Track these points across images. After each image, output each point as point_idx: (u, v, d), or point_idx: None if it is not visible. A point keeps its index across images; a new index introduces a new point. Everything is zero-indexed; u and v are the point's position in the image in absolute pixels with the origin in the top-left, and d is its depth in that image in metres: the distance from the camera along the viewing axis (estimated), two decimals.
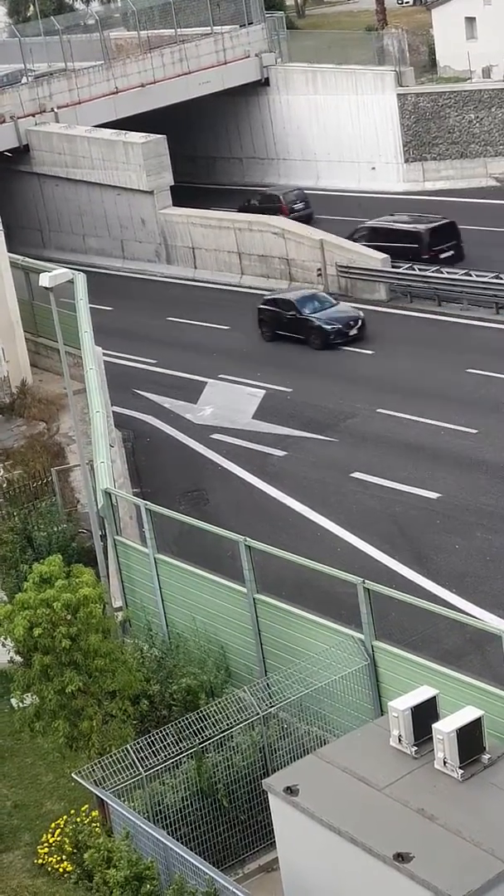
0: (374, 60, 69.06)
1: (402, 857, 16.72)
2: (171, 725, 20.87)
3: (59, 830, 21.98)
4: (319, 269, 52.29)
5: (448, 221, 52.08)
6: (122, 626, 25.23)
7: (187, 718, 20.92)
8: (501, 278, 47.16)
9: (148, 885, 18.45)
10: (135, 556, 26.78)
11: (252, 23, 70.12)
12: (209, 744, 20.74)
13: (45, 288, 28.12)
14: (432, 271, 49.29)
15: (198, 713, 21.03)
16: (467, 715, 18.27)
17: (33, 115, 64.56)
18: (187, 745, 20.55)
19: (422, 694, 19.01)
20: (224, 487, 36.68)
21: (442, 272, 48.98)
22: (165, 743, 20.44)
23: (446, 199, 62.69)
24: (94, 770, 20.07)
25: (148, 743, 20.40)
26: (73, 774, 20.65)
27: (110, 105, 66.03)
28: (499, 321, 46.03)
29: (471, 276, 48.05)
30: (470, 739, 18.06)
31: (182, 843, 19.53)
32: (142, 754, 20.20)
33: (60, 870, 21.24)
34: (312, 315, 47.06)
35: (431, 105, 64.67)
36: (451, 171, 64.74)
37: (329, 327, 46.41)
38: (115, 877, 18.62)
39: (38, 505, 31.66)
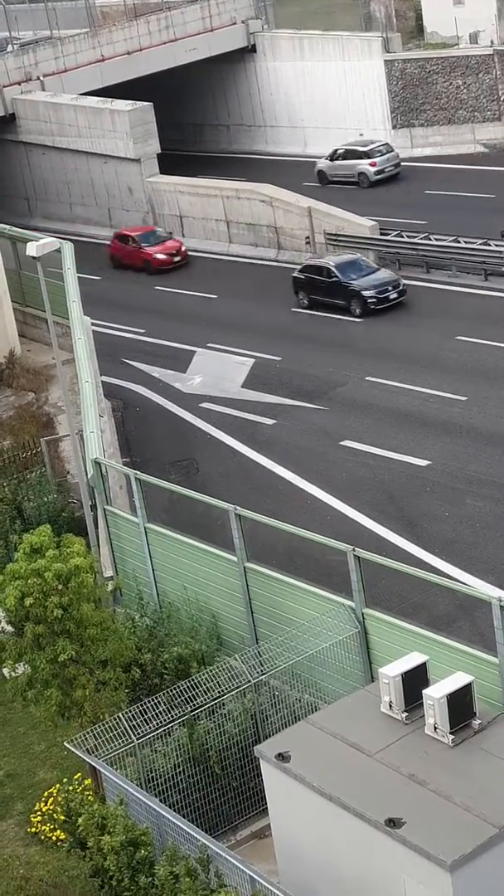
0: (361, 26, 68.77)
1: (393, 823, 16.81)
2: (163, 693, 20.94)
3: (51, 799, 22.07)
4: (308, 237, 52.16)
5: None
6: (112, 596, 25.27)
7: (179, 686, 20.99)
8: (490, 245, 47.09)
9: (143, 851, 18.52)
10: (125, 526, 26.80)
11: None
12: (201, 711, 20.81)
13: (32, 257, 28.03)
14: (421, 238, 49.18)
15: (189, 681, 21.11)
16: (457, 681, 18.34)
17: (19, 84, 64.18)
18: (179, 712, 20.62)
19: (412, 660, 19.07)
20: (214, 456, 36.69)
21: (430, 239, 48.87)
22: (157, 711, 20.51)
23: (434, 165, 62.53)
24: (86, 738, 20.14)
25: (140, 711, 20.47)
26: (65, 743, 20.71)
27: (96, 73, 65.67)
28: (488, 288, 45.99)
29: (459, 242, 47.96)
30: (460, 705, 18.14)
31: (174, 810, 19.62)
32: (134, 722, 20.27)
33: (53, 838, 21.33)
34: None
35: (419, 71, 64.39)
36: (439, 137, 64.51)
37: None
38: (109, 843, 18.69)
39: (28, 475, 31.64)
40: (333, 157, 62.61)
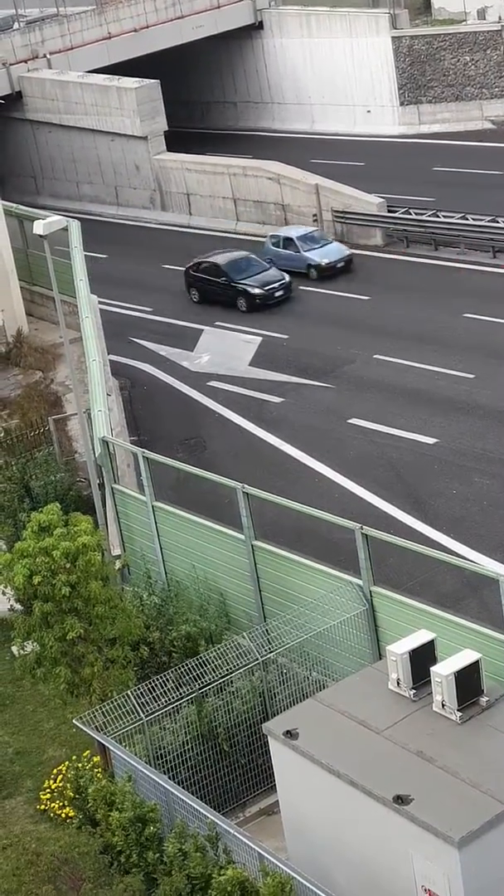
0: (369, 3, 68.50)
1: (401, 800, 16.86)
2: (172, 671, 21.00)
3: (60, 776, 22.15)
4: (315, 215, 52.03)
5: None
6: (120, 574, 25.32)
7: (187, 664, 21.04)
8: (498, 222, 46.94)
9: (151, 827, 18.60)
10: (133, 504, 26.83)
11: None
12: (209, 689, 20.87)
13: (39, 236, 28.01)
14: (429, 215, 49.07)
15: (197, 659, 21.16)
16: (465, 658, 18.38)
17: (25, 62, 64.00)
18: (187, 690, 20.68)
19: (420, 638, 19.11)
20: (221, 435, 36.69)
21: (438, 216, 48.74)
22: (166, 688, 20.57)
23: (442, 142, 62.32)
24: (95, 716, 20.21)
25: (148, 689, 20.53)
26: (74, 720, 20.79)
27: (103, 50, 65.46)
28: (496, 265, 45.87)
29: (467, 220, 47.83)
30: (468, 682, 18.18)
31: (183, 787, 19.70)
32: (142, 700, 20.33)
33: (63, 815, 21.42)
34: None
35: (426, 47, 64.11)
36: (447, 113, 64.27)
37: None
38: (118, 819, 18.78)
39: (36, 454, 31.67)
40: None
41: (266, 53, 69.58)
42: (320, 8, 67.64)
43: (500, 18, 65.54)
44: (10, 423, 34.59)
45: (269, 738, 19.08)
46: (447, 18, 69.58)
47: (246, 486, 23.63)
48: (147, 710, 20.27)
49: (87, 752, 22.14)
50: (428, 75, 64.27)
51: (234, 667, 21.11)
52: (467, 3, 68.25)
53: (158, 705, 20.41)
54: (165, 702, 20.48)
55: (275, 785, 19.63)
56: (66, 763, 22.34)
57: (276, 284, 46.30)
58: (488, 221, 47.23)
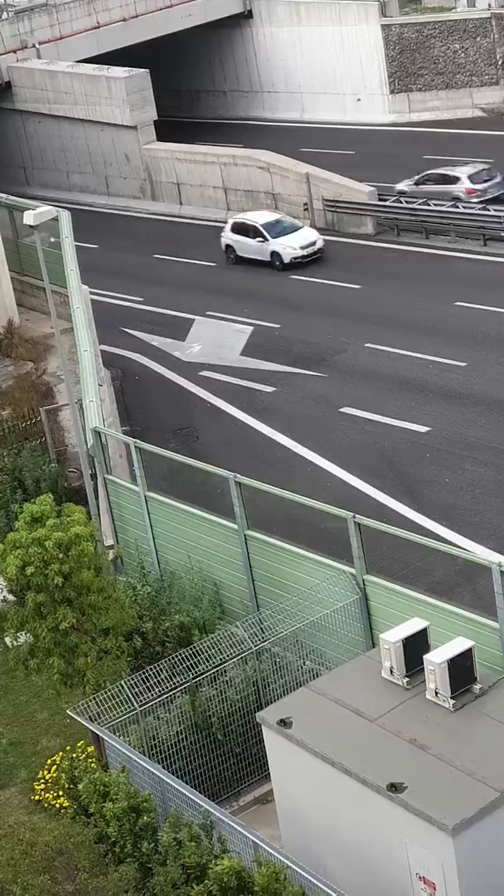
0: None
1: (395, 788, 16.89)
2: (165, 661, 21.01)
3: (55, 767, 22.17)
4: (306, 204, 51.99)
5: None
6: (114, 564, 25.31)
7: (181, 654, 21.05)
8: (489, 210, 46.94)
9: (145, 817, 18.62)
10: (125, 495, 26.82)
11: None
12: (203, 678, 20.88)
13: (30, 226, 27.93)
14: (419, 203, 49.03)
15: (191, 649, 21.17)
16: (458, 646, 18.39)
17: (14, 52, 63.85)
18: (181, 679, 20.69)
19: (413, 626, 19.11)
20: (214, 424, 36.67)
21: (429, 204, 48.71)
22: (159, 678, 20.59)
23: (432, 129, 62.26)
24: (89, 706, 20.22)
25: (142, 678, 20.54)
26: (68, 711, 20.80)
27: (92, 40, 65.31)
28: (486, 253, 45.86)
29: (458, 207, 47.80)
30: (461, 670, 18.19)
31: (177, 776, 19.70)
32: (136, 690, 20.34)
33: (57, 805, 21.43)
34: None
35: (416, 35, 64.02)
36: (437, 101, 64.22)
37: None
38: (112, 809, 18.80)
39: (28, 445, 31.63)
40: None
41: (256, 42, 69.47)
42: None
43: (489, 6, 65.50)
44: (2, 414, 34.52)
45: (262, 726, 19.09)
46: (437, 6, 69.55)
47: (238, 475, 23.61)
48: (141, 700, 20.28)
49: (82, 742, 22.14)
50: (418, 63, 64.19)
51: (228, 656, 21.12)
52: None
53: (152, 695, 20.43)
54: (159, 692, 20.49)
55: (269, 774, 19.65)
56: (61, 753, 22.37)
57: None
58: (479, 209, 47.23)
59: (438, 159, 55.49)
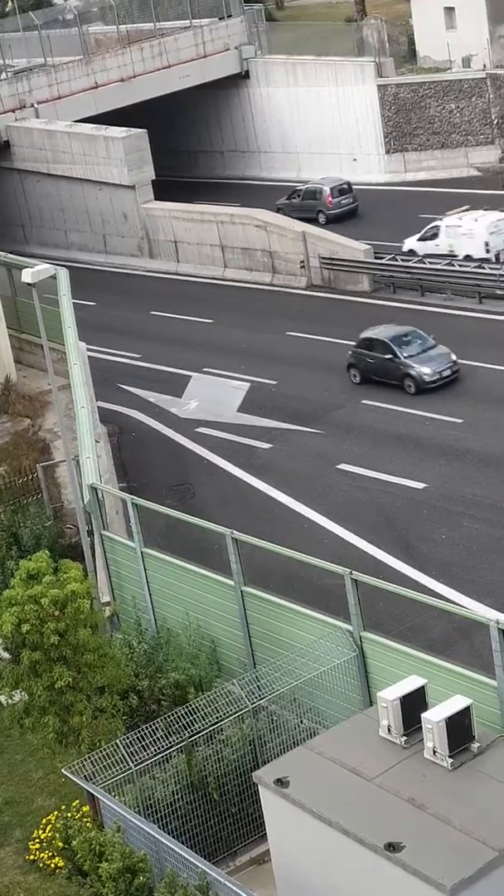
0: (354, 51, 68.95)
1: (393, 847, 16.75)
2: (161, 720, 20.88)
3: (49, 826, 21.97)
4: (302, 262, 52.30)
5: None
6: (110, 621, 25.22)
7: (177, 712, 20.92)
8: (484, 268, 47.23)
9: (141, 878, 18.47)
10: (122, 551, 26.77)
11: (231, 15, 70.02)
12: (199, 737, 20.74)
13: (28, 284, 28.06)
14: (415, 262, 49.33)
15: (187, 707, 21.05)
16: (456, 704, 18.31)
17: (13, 111, 64.37)
18: (177, 738, 20.55)
19: (410, 684, 19.04)
20: (210, 481, 36.67)
21: (425, 262, 49.02)
22: (155, 737, 20.45)
23: (428, 189, 62.69)
24: (84, 765, 20.08)
25: (138, 737, 20.41)
26: (63, 770, 20.65)
27: (90, 100, 65.88)
28: (482, 311, 46.07)
29: (454, 266, 48.10)
30: (459, 728, 18.10)
31: (173, 836, 19.54)
32: (132, 749, 20.20)
33: (52, 865, 21.23)
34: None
35: (412, 95, 64.63)
36: (433, 161, 64.70)
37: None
38: (107, 869, 18.63)
39: (24, 501, 31.60)
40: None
41: (252, 103, 70.08)
42: (306, 57, 68.17)
43: (484, 66, 66.18)
44: None
45: (259, 786, 18.96)
46: (432, 66, 70.20)
47: (235, 531, 23.59)
48: (136, 759, 20.14)
49: (77, 801, 21.96)
50: (413, 123, 64.73)
51: (224, 714, 20.99)
52: (452, 51, 68.90)
53: (148, 754, 20.28)
54: (155, 751, 20.35)
55: (266, 834, 19.48)
56: (56, 813, 22.18)
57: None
58: (474, 267, 47.50)
59: (434, 217, 55.93)
